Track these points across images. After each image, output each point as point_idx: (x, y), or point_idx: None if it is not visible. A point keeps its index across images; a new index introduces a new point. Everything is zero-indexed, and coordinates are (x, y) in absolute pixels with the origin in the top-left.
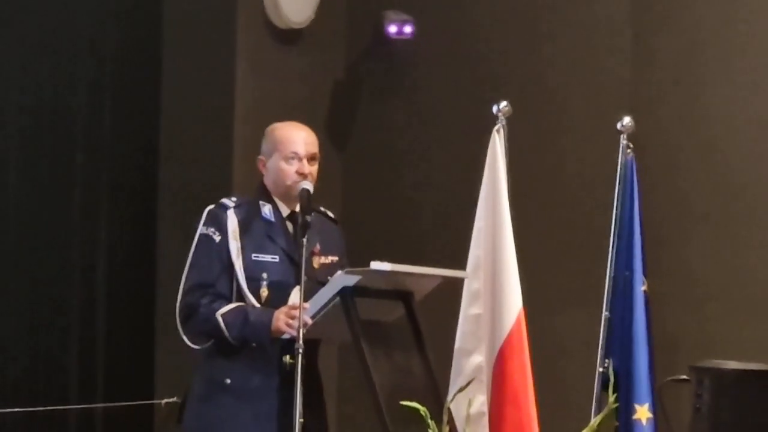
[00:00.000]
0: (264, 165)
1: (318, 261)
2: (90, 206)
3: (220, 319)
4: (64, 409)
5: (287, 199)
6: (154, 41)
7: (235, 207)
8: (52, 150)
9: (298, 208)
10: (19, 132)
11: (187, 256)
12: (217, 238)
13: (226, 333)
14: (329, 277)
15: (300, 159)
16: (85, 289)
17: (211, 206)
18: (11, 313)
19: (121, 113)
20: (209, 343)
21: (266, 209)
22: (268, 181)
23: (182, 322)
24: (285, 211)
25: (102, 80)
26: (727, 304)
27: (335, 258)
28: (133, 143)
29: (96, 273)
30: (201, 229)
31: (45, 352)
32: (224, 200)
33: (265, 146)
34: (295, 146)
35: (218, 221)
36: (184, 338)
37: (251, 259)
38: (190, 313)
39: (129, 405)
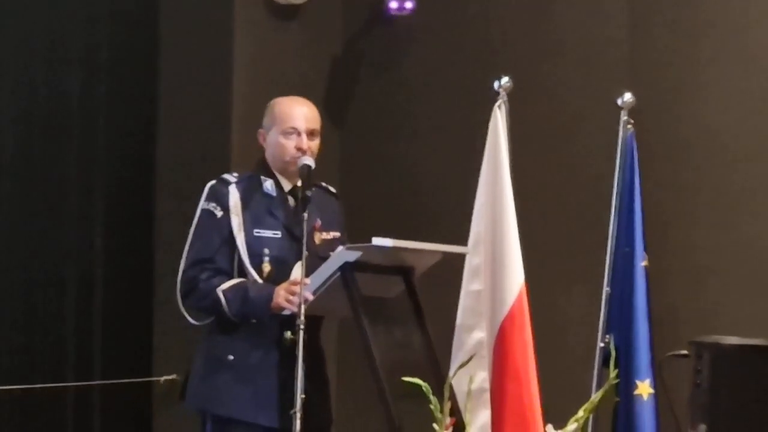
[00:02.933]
0: (264, 139)
1: (319, 236)
2: (87, 183)
3: (221, 295)
4: (61, 387)
5: (286, 174)
6: (152, 18)
7: (236, 182)
8: (48, 127)
9: (299, 183)
10: (13, 107)
11: (186, 232)
12: (219, 213)
13: (226, 309)
14: (330, 253)
15: (299, 134)
16: (83, 265)
17: (213, 182)
18: (7, 290)
19: (118, 90)
20: (210, 320)
21: (268, 184)
22: (268, 156)
23: (182, 298)
24: (286, 186)
25: (99, 56)
26: (728, 279)
27: (336, 233)
28: (130, 119)
29: (93, 250)
30: (202, 204)
31: (42, 330)
32: (226, 176)
33: (266, 120)
34: (294, 121)
35: (219, 196)
36: (185, 314)
37: (253, 234)
38: (190, 288)
39: (127, 382)
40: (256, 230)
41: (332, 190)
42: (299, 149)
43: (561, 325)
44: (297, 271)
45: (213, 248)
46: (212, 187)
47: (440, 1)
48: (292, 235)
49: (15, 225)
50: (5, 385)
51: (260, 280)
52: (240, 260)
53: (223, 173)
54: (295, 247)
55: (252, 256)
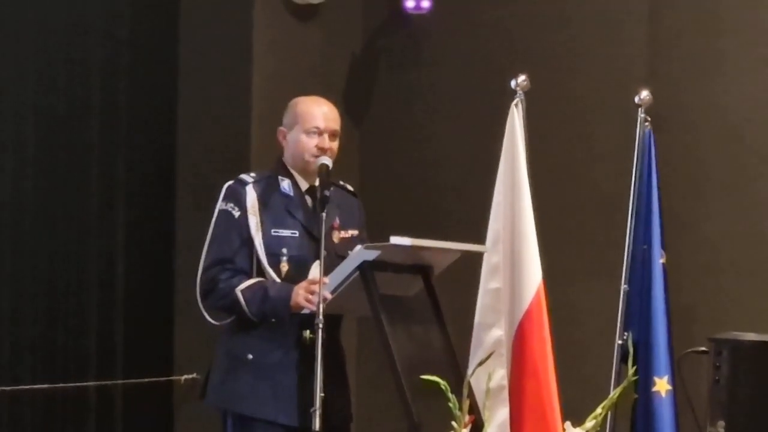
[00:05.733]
0: (284, 137)
1: (337, 235)
2: (108, 183)
3: (240, 295)
4: (83, 386)
5: (305, 173)
6: (171, 18)
7: (253, 182)
8: (69, 129)
9: (317, 183)
10: (34, 108)
11: (206, 231)
12: (236, 213)
13: (246, 308)
14: (349, 251)
15: (320, 134)
16: (104, 265)
17: (230, 182)
18: (29, 290)
19: (138, 91)
20: (230, 319)
21: (285, 184)
22: (286, 155)
23: (202, 298)
24: (304, 185)
25: (119, 58)
26: (744, 275)
27: (355, 232)
28: (150, 120)
29: (114, 249)
30: (220, 204)
31: (64, 329)
32: (243, 176)
33: (286, 118)
34: (316, 121)
35: (237, 197)
36: (205, 314)
37: (271, 234)
38: (209, 288)
39: (148, 381)
40: (274, 230)
41: (350, 188)
42: (320, 149)
43: (579, 322)
44: (315, 270)
45: (233, 248)
46: (229, 187)
47: (457, 0)
48: (310, 234)
49: (37, 226)
50: (28, 384)
51: (278, 280)
52: (258, 260)
53: (243, 173)
54: (313, 246)
55: (270, 256)
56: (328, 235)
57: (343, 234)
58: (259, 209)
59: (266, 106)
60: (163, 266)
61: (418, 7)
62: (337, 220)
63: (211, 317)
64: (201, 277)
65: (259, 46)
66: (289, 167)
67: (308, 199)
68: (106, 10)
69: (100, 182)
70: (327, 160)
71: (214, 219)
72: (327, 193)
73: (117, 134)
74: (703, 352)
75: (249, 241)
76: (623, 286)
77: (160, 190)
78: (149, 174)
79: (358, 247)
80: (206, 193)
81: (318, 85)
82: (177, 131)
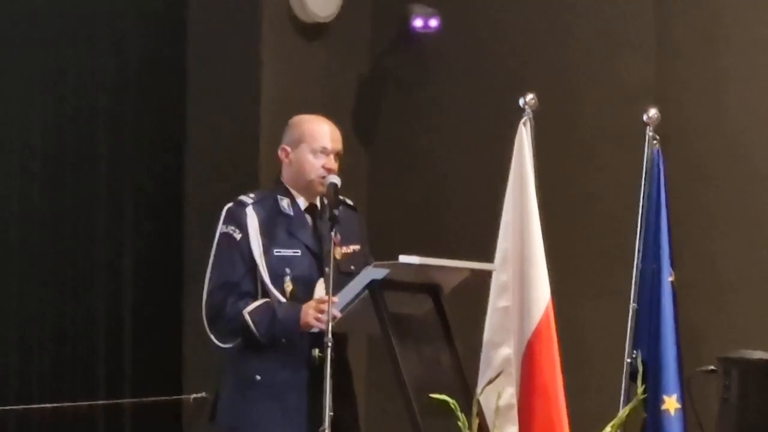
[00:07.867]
0: (287, 155)
1: (339, 251)
2: (116, 202)
3: (248, 318)
4: (92, 405)
5: (306, 192)
6: (179, 38)
7: (253, 203)
8: (77, 145)
9: (317, 201)
10: (42, 124)
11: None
12: (238, 236)
13: (255, 331)
14: (352, 267)
15: (327, 154)
16: (112, 284)
17: (230, 204)
18: (38, 309)
19: (146, 110)
20: (238, 341)
21: (284, 203)
22: (287, 173)
23: (209, 323)
24: (303, 204)
25: (127, 77)
26: (753, 294)
27: (356, 246)
28: (159, 139)
29: (123, 268)
30: (221, 228)
31: (72, 348)
32: (242, 197)
33: (291, 136)
34: (324, 141)
35: (238, 219)
36: (213, 338)
37: (274, 255)
38: (216, 313)
39: (157, 400)
40: (276, 250)
41: (350, 202)
42: (327, 169)
43: (588, 341)
44: (320, 288)
45: (237, 271)
46: (229, 209)
47: (465, 19)
48: (312, 252)
49: (45, 245)
50: (36, 403)
51: (283, 300)
52: (262, 281)
53: (251, 192)
54: (315, 264)
55: (274, 276)
56: (330, 252)
57: (345, 249)
58: (261, 231)
59: (274, 125)
60: (172, 285)
61: (426, 26)
62: (338, 236)
63: (218, 341)
64: (206, 302)
65: (268, 65)
66: (287, 186)
67: (308, 218)
68: (114, 30)
69: (108, 202)
70: (336, 180)
71: (215, 243)
72: (336, 212)
73: (125, 155)
74: (712, 371)
75: (252, 264)
76: (632, 305)
77: (169, 210)
78: (158, 195)
79: (368, 266)
80: (215, 214)
81: (326, 104)
82: (186, 151)
